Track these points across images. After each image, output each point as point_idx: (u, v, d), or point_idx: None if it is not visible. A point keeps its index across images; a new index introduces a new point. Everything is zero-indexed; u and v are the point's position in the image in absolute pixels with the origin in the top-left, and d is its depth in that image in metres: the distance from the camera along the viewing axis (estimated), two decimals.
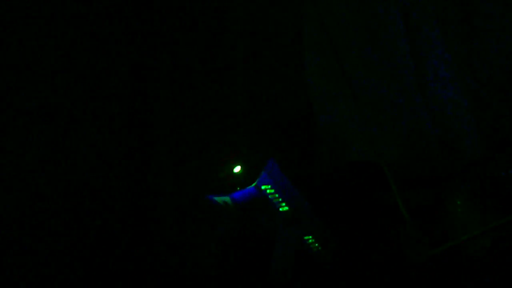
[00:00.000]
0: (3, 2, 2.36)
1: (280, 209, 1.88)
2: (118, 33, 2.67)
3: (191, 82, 2.75)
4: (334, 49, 2.57)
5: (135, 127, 2.61)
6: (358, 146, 2.57)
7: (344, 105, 2.61)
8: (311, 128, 2.70)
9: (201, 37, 2.79)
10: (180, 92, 2.72)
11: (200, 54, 2.77)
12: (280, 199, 1.86)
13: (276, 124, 2.72)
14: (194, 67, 2.75)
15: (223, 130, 2.63)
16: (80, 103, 2.50)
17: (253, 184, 1.80)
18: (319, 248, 1.98)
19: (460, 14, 2.46)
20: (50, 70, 2.48)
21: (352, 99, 2.55)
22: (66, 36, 2.53)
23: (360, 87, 2.58)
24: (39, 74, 2.45)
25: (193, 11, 2.80)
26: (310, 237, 1.96)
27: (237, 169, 1.94)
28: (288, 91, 2.79)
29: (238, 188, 1.83)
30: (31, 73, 2.44)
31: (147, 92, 2.67)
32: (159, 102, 2.65)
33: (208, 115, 2.67)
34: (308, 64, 2.72)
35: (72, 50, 2.54)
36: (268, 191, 1.84)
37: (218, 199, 1.90)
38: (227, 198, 1.86)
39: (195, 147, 2.59)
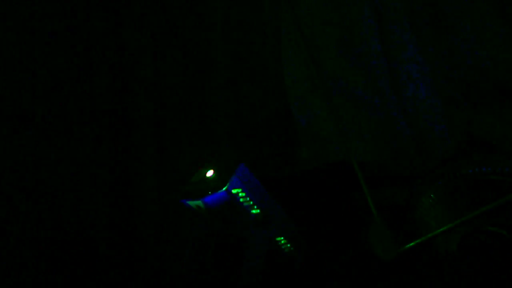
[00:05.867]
0: None
1: (251, 211, 1.93)
2: (99, 36, 2.71)
3: (171, 85, 2.79)
4: (310, 51, 2.62)
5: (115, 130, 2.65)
6: (334, 146, 2.62)
7: (321, 106, 2.66)
8: (289, 129, 2.75)
9: (181, 39, 2.83)
10: (160, 95, 2.76)
11: (180, 57, 2.81)
12: (251, 202, 1.92)
13: (254, 124, 2.77)
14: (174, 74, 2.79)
15: (200, 133, 2.67)
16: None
17: (224, 189, 1.85)
18: (291, 248, 2.04)
19: (431, 16, 2.51)
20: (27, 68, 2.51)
21: (328, 100, 2.60)
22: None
23: (336, 88, 2.63)
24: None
25: (174, 16, 2.84)
26: (282, 238, 2.02)
27: (210, 173, 1.99)
28: (267, 91, 2.83)
29: (209, 193, 1.89)
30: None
31: (127, 96, 2.71)
32: (138, 106, 2.69)
33: (185, 119, 2.71)
34: (285, 65, 2.77)
35: (51, 47, 2.56)
36: (239, 194, 1.90)
37: (191, 203, 1.95)
38: (199, 202, 1.92)
39: (172, 151, 2.64)
